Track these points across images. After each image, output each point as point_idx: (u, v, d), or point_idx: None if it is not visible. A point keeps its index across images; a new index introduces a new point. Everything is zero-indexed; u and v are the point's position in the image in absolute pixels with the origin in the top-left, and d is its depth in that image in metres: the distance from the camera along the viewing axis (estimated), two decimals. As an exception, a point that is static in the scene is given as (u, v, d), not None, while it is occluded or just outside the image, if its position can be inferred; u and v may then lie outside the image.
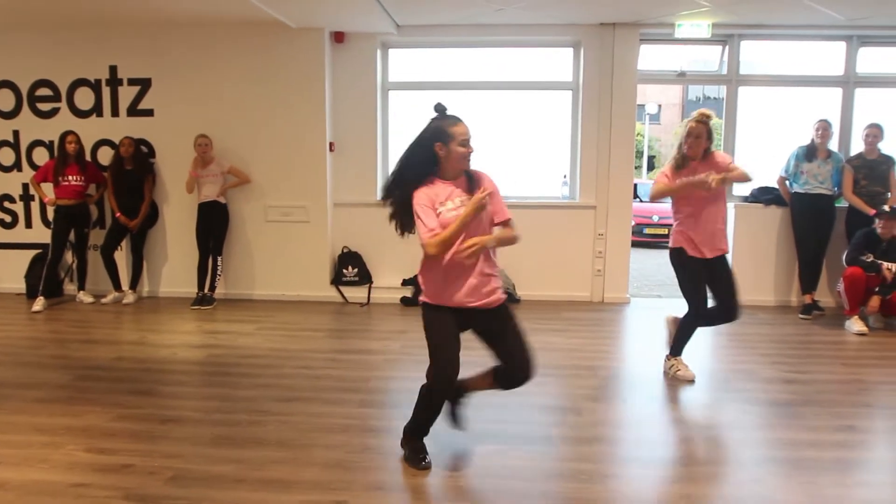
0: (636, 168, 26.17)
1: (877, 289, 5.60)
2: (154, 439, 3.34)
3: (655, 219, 13.82)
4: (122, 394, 3.98)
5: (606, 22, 6.32)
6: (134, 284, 6.62)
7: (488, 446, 3.26)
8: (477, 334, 3.06)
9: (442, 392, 2.99)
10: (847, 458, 3.23)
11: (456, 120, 2.93)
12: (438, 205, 2.88)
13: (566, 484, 2.92)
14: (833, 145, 6.44)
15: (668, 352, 4.46)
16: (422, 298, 3.03)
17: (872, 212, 5.84)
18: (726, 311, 4.18)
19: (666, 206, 14.84)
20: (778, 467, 3.12)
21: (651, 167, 27.79)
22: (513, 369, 3.02)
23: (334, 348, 5.10)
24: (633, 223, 14.10)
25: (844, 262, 5.78)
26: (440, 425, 3.15)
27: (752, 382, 4.36)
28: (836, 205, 6.31)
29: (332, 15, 5.98)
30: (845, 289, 5.69)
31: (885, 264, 5.59)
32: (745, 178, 4.14)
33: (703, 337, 5.93)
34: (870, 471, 3.13)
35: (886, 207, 5.72)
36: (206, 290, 6.43)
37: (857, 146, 6.46)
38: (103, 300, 6.47)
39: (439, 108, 2.96)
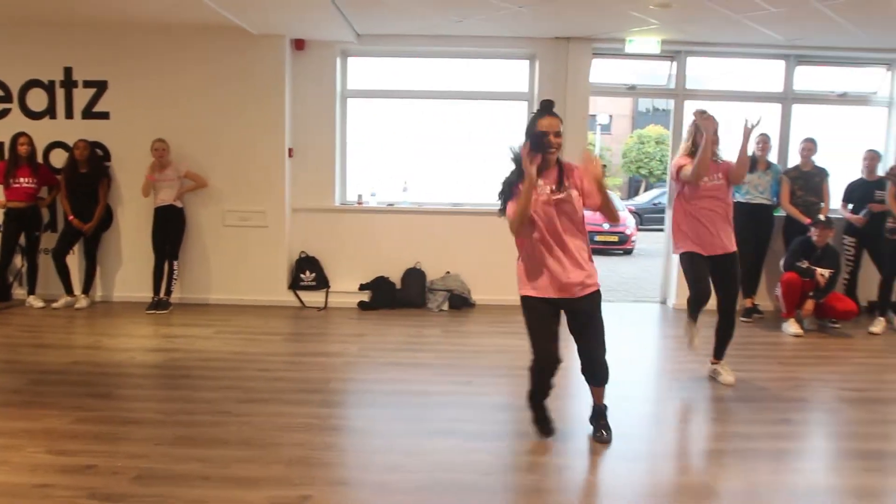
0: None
1: (811, 293, 5.93)
2: (116, 440, 3.36)
3: (606, 227, 14.17)
4: (80, 397, 3.96)
5: (561, 36, 6.55)
6: (87, 289, 6.53)
7: (448, 443, 3.37)
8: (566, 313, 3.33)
9: (540, 375, 3.30)
10: (783, 448, 3.45)
11: (544, 113, 3.18)
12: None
13: (524, 476, 3.06)
14: (772, 157, 6.80)
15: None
16: (520, 292, 3.34)
17: (808, 221, 6.17)
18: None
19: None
20: (720, 457, 3.34)
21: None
22: (589, 364, 3.33)
23: (293, 351, 5.15)
24: (584, 230, 14.47)
25: (782, 268, 6.11)
26: (392, 425, 3.25)
27: (696, 381, 4.60)
28: (775, 214, 6.65)
29: (293, 22, 6.04)
30: (782, 293, 6.01)
31: (819, 270, 5.92)
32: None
33: (650, 338, 6.20)
34: (803, 459, 3.35)
35: (822, 217, 6.06)
36: (161, 295, 6.39)
37: (794, 159, 6.82)
38: (54, 304, 6.37)
39: (545, 104, 3.21)
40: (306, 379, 4.38)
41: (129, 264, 6.70)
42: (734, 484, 3.01)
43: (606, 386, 3.44)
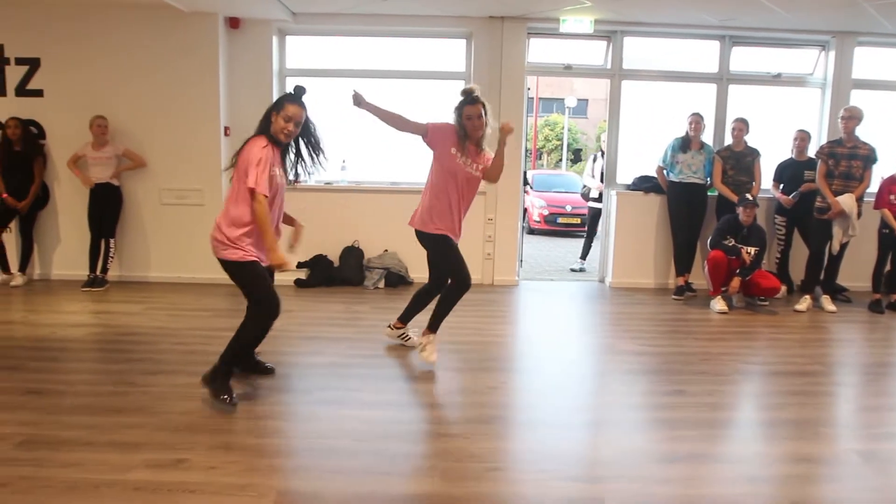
0: (560, 160, 26.80)
1: (738, 271, 6.05)
2: (11, 409, 3.40)
3: (568, 209, 14.27)
4: (-11, 370, 4.01)
5: (495, 15, 6.59)
6: (23, 267, 6.54)
7: (334, 411, 3.46)
8: None
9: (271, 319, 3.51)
10: (665, 417, 3.56)
11: (294, 100, 3.38)
12: (271, 166, 3.37)
13: (395, 443, 3.12)
14: (708, 138, 6.90)
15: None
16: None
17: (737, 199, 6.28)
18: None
19: (576, 195, 15.00)
20: (600, 427, 3.44)
21: (578, 160, 28.45)
22: None
23: (214, 326, 5.18)
24: (546, 212, 14.52)
25: (708, 247, 6.22)
26: (286, 395, 3.32)
27: (608, 355, 4.73)
28: (709, 193, 6.76)
29: (223, 0, 6.03)
30: (709, 271, 6.13)
31: (745, 248, 6.04)
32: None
33: (582, 315, 6.29)
34: (682, 428, 3.44)
35: (748, 196, 6.16)
36: (98, 272, 6.42)
37: (730, 139, 6.91)
38: (-9, 282, 6.40)
39: (298, 90, 3.46)
40: (218, 352, 4.40)
41: (67, 242, 6.71)
42: (602, 452, 3.12)
43: (516, 359, 3.50)
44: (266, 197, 3.34)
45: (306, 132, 3.59)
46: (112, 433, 3.13)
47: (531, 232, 13.93)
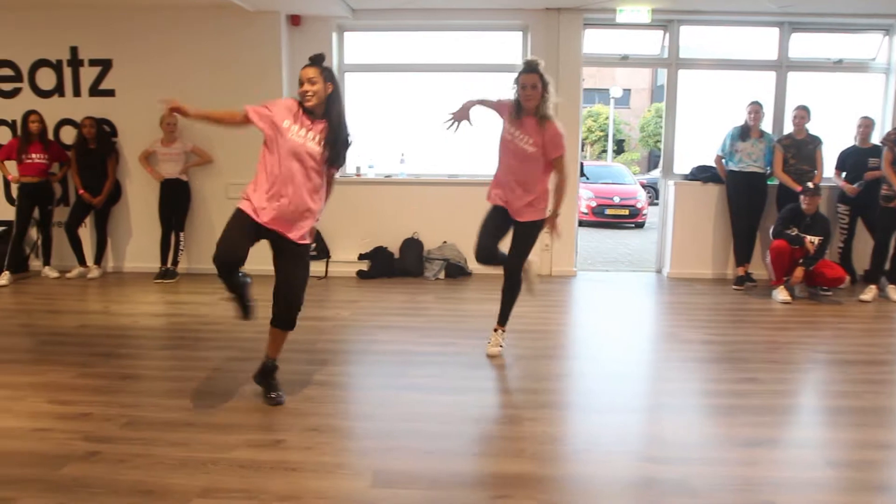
0: (603, 151, 26.59)
1: (801, 260, 6.00)
2: (113, 393, 3.61)
3: (616, 200, 14.22)
4: (84, 356, 4.23)
5: (552, 7, 6.63)
6: (98, 259, 6.84)
7: (417, 396, 3.58)
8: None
9: (220, 269, 3.58)
10: (741, 404, 3.60)
11: (307, 65, 3.49)
12: (282, 119, 3.43)
13: (481, 426, 3.24)
14: (767, 126, 6.84)
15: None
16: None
17: (799, 188, 6.22)
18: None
19: (629, 187, 14.99)
20: (675, 412, 3.49)
21: (621, 150, 28.19)
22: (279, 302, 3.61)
23: (289, 316, 5.38)
24: (594, 204, 14.44)
25: (771, 236, 6.18)
26: (369, 380, 3.44)
27: (673, 343, 4.76)
28: (769, 182, 6.70)
29: (286, -1, 6.22)
30: (771, 260, 6.09)
31: (808, 238, 5.99)
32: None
33: (641, 305, 6.32)
34: (758, 413, 3.48)
35: (811, 185, 6.09)
36: (169, 265, 6.67)
37: (789, 127, 6.84)
38: (68, 275, 6.68)
39: (315, 58, 3.51)
40: (296, 340, 4.53)
41: (139, 236, 6.99)
42: (681, 436, 3.16)
43: (582, 346, 3.59)
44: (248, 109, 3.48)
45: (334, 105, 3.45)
46: (210, 415, 3.30)
47: (579, 224, 13.91)
